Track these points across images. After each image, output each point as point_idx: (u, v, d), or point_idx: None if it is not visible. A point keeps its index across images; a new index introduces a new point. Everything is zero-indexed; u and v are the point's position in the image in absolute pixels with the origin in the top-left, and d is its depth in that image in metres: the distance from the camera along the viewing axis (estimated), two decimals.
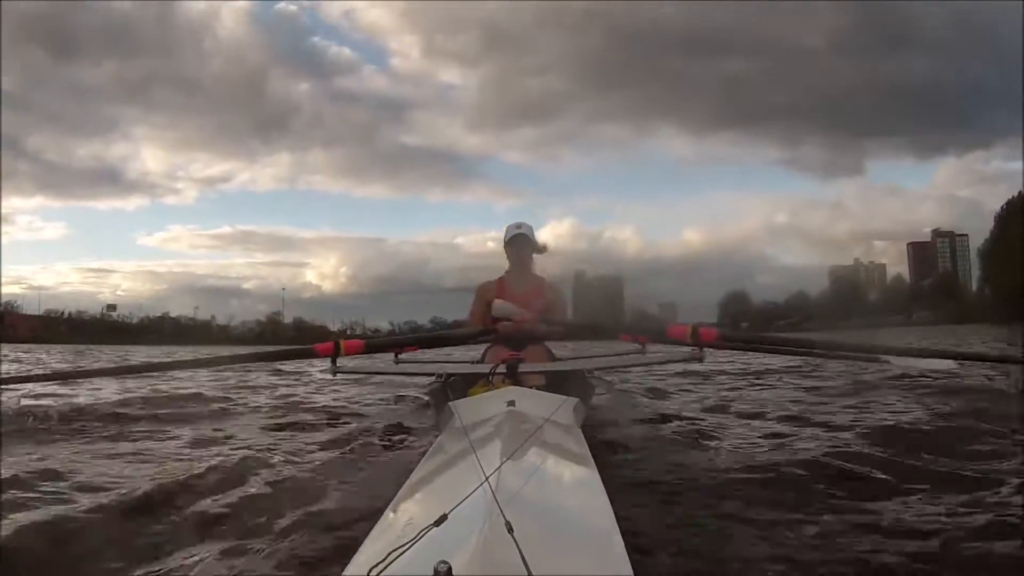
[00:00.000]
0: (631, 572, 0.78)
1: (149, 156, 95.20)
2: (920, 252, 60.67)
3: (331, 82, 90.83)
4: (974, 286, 56.05)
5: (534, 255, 2.95)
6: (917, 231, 62.34)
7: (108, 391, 4.29)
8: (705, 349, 2.39)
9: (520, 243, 2.90)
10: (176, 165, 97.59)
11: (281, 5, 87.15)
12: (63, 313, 59.10)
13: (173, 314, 62.29)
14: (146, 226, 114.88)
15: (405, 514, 0.99)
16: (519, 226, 2.93)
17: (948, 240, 60.08)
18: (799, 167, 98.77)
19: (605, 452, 2.15)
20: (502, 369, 2.04)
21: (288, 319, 61.69)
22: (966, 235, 59.18)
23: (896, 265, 62.11)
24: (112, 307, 62.97)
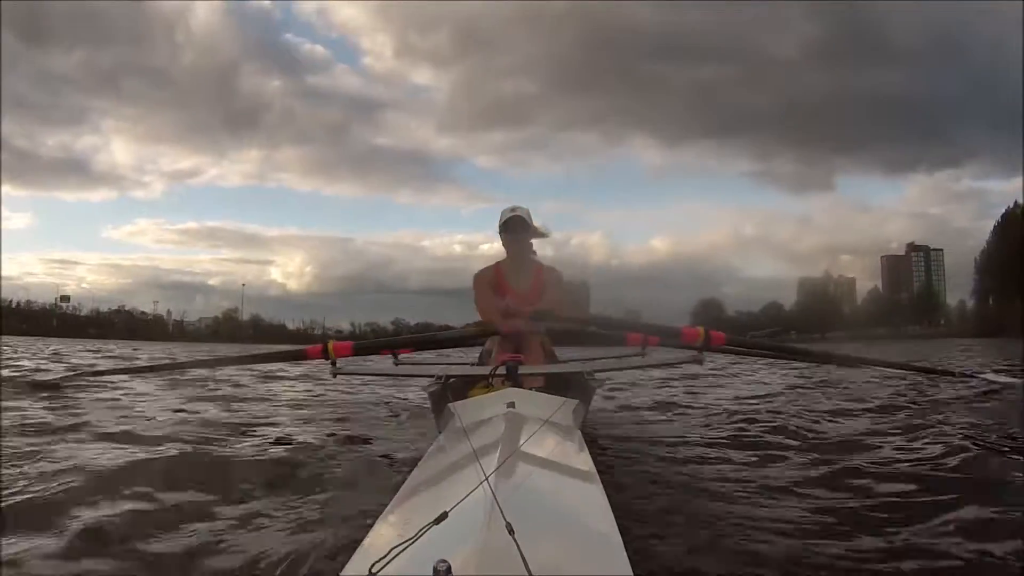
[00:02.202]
0: (631, 572, 0.78)
1: (118, 148, 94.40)
2: (894, 266, 60.73)
3: (303, 80, 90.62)
4: (952, 301, 56.20)
5: (535, 240, 2.67)
6: (885, 247, 62.26)
7: None
8: (704, 353, 2.40)
9: (517, 228, 2.61)
10: (144, 158, 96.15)
11: (255, 0, 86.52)
12: (11, 302, 56.96)
13: (136, 308, 60.69)
14: (112, 219, 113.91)
15: (405, 513, 0.99)
16: (514, 209, 2.65)
17: (923, 254, 60.14)
18: (769, 180, 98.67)
19: (605, 453, 2.16)
20: (502, 370, 2.04)
21: (247, 316, 60.59)
22: (941, 250, 59.42)
23: (865, 279, 62.09)
24: (66, 298, 60.78)
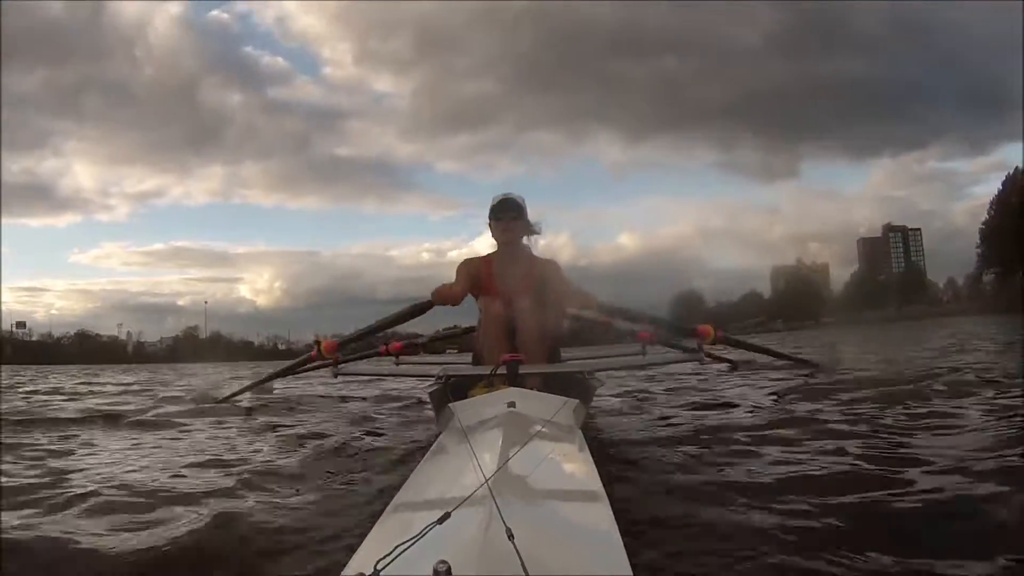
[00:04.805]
0: (631, 574, 0.78)
1: (81, 171, 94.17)
2: (871, 248, 59.98)
3: (264, 92, 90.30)
4: (935, 279, 55.45)
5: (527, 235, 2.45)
6: (854, 231, 61.68)
7: None
8: (704, 350, 2.41)
9: (509, 212, 2.33)
10: (108, 181, 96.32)
11: (213, 13, 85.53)
12: None
13: (92, 330, 59.38)
14: (79, 243, 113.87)
15: (404, 513, 0.99)
16: (507, 193, 2.43)
17: (900, 235, 59.35)
18: (734, 170, 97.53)
19: (606, 453, 2.16)
20: (502, 370, 2.04)
21: (209, 334, 59.69)
22: (919, 229, 58.73)
23: (837, 264, 61.58)
24: (21, 324, 59.92)
